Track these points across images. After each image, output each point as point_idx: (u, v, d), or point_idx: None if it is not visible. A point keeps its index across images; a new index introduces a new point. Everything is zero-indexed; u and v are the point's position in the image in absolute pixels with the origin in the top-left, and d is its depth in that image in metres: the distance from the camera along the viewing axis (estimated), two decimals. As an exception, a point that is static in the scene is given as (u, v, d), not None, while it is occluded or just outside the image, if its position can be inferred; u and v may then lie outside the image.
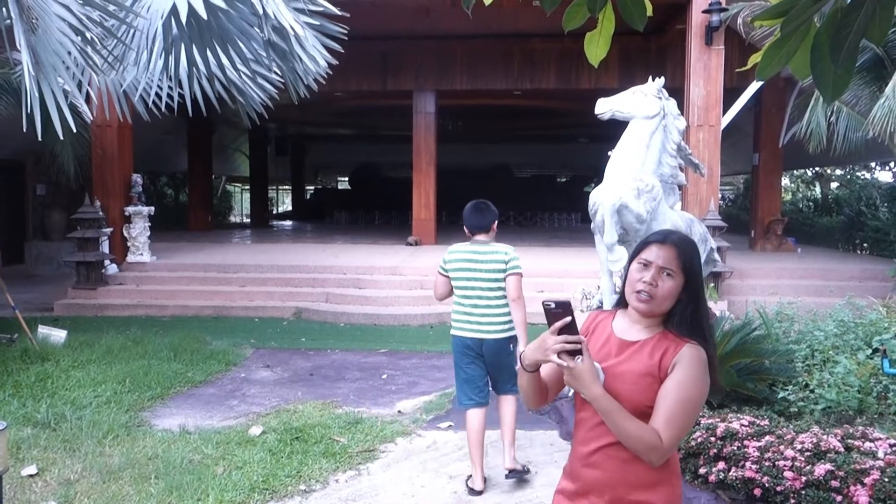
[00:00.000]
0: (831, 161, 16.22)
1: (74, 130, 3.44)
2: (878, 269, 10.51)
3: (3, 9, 2.98)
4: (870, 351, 4.88)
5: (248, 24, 3.54)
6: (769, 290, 9.17)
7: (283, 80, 4.07)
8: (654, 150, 4.97)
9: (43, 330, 7.04)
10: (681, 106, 6.56)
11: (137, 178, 11.13)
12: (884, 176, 20.48)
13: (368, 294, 9.88)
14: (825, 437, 3.52)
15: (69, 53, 3.15)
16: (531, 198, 22.90)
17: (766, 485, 3.32)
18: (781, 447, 3.45)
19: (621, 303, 1.89)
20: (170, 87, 3.93)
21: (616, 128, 5.05)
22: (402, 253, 12.41)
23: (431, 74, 13.48)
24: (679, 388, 1.71)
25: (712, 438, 3.65)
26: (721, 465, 3.52)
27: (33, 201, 13.83)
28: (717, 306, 8.37)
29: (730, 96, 10.21)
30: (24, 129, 3.24)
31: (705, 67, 9.77)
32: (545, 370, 1.85)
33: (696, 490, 3.56)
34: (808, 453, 3.38)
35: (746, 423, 3.75)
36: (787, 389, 4.42)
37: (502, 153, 24.92)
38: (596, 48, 1.93)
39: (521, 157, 26.21)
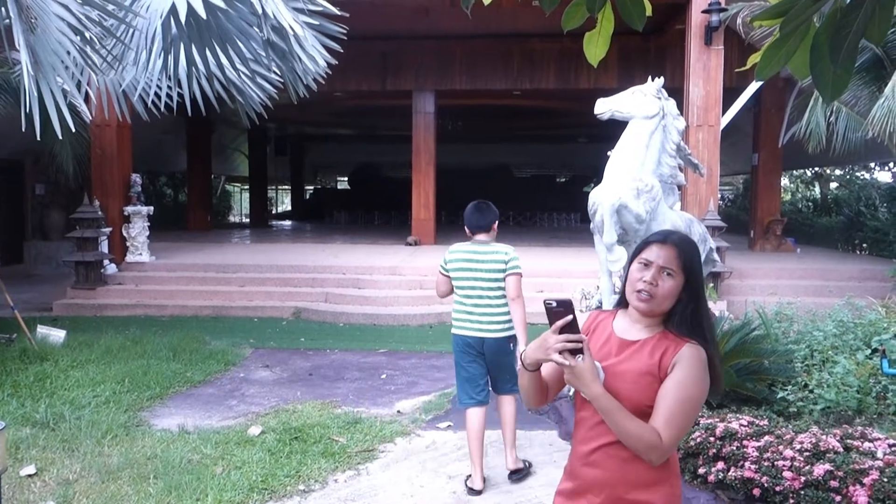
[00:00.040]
0: (831, 161, 16.23)
1: (73, 130, 3.44)
2: (877, 270, 10.51)
3: (2, 8, 2.97)
4: (869, 351, 4.88)
5: (247, 23, 3.54)
6: (768, 290, 9.18)
7: (282, 80, 4.07)
8: (653, 150, 4.97)
9: (42, 330, 7.03)
10: (680, 106, 6.56)
11: (136, 177, 11.12)
12: (883, 176, 20.50)
13: (368, 294, 9.88)
14: (824, 437, 3.52)
15: (68, 53, 3.14)
16: (530, 198, 22.92)
17: (765, 485, 3.32)
18: (780, 447, 3.45)
19: (622, 303, 1.90)
20: (169, 87, 3.93)
21: (615, 128, 5.05)
22: (402, 253, 12.41)
23: (431, 74, 13.48)
24: (678, 387, 1.71)
25: (711, 438, 3.65)
26: (720, 464, 3.52)
27: (32, 201, 13.82)
28: (716, 306, 8.38)
29: (729, 96, 10.21)
30: (23, 129, 3.24)
31: (705, 67, 9.77)
32: (546, 369, 1.85)
33: (695, 490, 3.56)
34: (807, 453, 3.38)
35: (745, 423, 3.75)
36: (787, 389, 4.42)
37: (502, 153, 24.93)
38: (595, 48, 1.93)
39: (520, 157, 26.23)
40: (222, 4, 3.18)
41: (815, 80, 1.48)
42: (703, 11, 9.56)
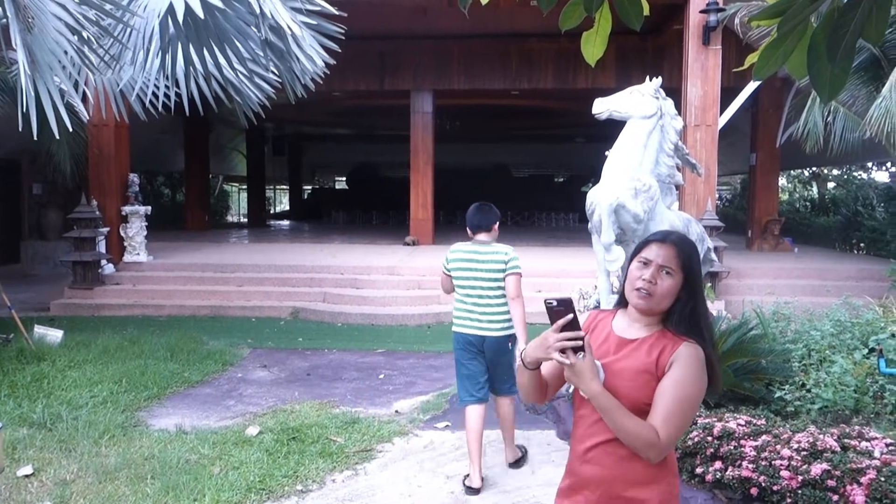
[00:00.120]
0: (828, 161, 16.24)
1: (71, 130, 3.44)
2: (874, 269, 10.53)
3: (0, 8, 2.97)
4: (866, 350, 4.90)
5: (245, 23, 3.54)
6: (766, 289, 9.19)
7: (280, 80, 4.07)
8: (651, 149, 4.97)
9: (39, 330, 7.02)
10: (678, 106, 6.56)
11: (134, 177, 11.10)
12: (880, 176, 20.54)
13: (366, 294, 9.87)
14: (821, 436, 3.53)
15: (65, 52, 3.14)
16: (528, 198, 22.93)
17: (763, 484, 3.32)
18: (778, 447, 3.46)
19: (621, 302, 1.91)
20: (166, 87, 3.93)
21: (613, 128, 5.05)
22: (400, 253, 12.41)
23: (429, 74, 13.48)
24: (676, 385, 1.72)
25: (709, 438, 3.65)
26: (718, 464, 3.53)
27: (29, 201, 13.80)
28: (713, 306, 8.39)
29: (727, 96, 10.22)
30: (21, 129, 3.24)
31: (702, 67, 9.78)
32: (546, 367, 1.86)
33: (692, 489, 3.57)
34: (805, 453, 3.39)
35: (743, 423, 3.76)
36: (784, 389, 4.43)
37: (500, 153, 24.94)
38: (593, 48, 1.93)
39: (518, 157, 26.24)
40: (220, 4, 3.18)
41: (813, 80, 1.49)
42: (701, 11, 9.57)
